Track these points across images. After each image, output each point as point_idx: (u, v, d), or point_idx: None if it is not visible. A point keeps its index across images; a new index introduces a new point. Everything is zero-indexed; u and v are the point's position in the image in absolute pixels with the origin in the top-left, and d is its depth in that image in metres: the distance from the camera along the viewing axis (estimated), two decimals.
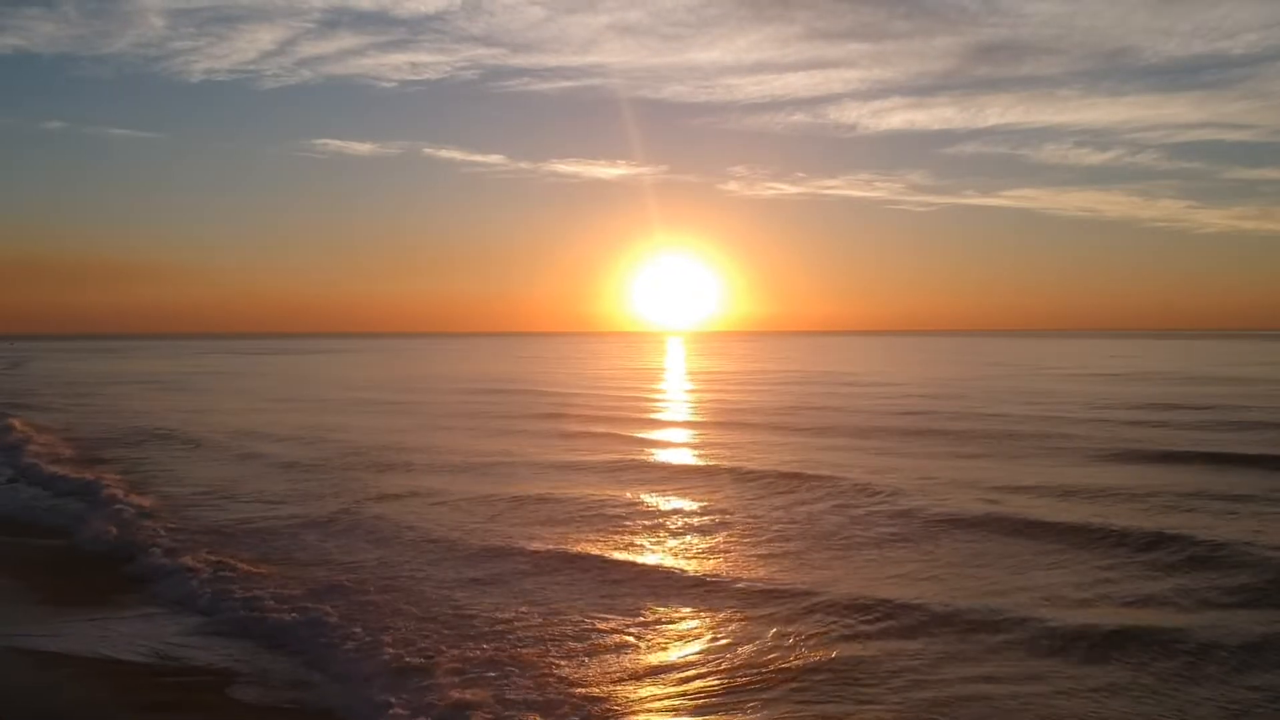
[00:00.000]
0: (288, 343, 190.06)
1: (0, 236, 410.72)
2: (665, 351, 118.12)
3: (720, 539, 12.63)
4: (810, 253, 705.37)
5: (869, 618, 9.08)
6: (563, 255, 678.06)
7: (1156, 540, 11.64)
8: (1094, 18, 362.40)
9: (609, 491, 16.18)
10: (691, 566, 11.19)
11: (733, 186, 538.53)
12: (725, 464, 18.99)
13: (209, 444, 23.25)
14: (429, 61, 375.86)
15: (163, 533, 13.21)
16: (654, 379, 54.82)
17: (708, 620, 9.26)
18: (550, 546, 12.14)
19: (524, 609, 9.59)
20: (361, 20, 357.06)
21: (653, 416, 30.56)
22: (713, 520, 13.80)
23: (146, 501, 15.47)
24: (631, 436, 24.39)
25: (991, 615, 9.04)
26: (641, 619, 9.30)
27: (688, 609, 9.63)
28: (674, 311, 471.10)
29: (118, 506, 14.88)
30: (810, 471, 17.30)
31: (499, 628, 9.04)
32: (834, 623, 9.01)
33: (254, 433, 25.40)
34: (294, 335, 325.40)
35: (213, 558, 11.67)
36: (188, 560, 11.61)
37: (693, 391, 44.63)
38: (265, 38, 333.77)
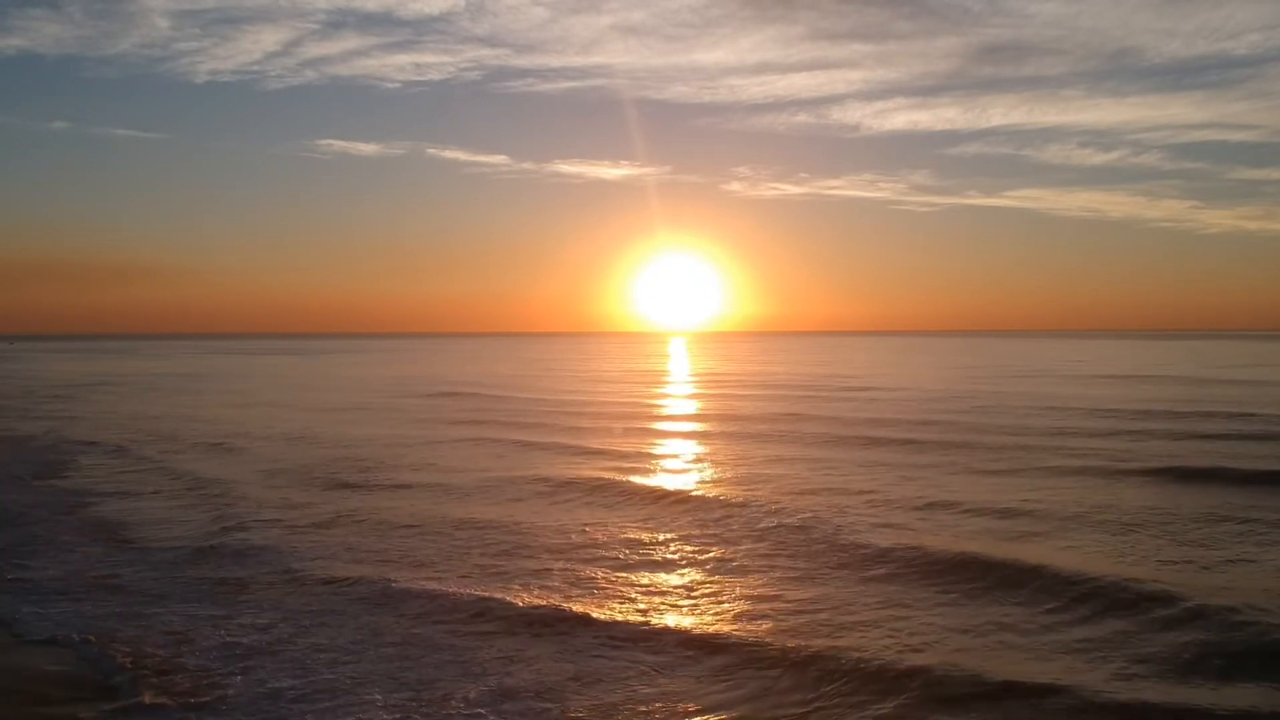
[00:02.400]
0: (289, 343, 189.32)
1: (4, 237, 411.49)
2: (666, 353, 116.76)
3: (692, 579, 11.21)
4: (813, 253, 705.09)
5: (872, 686, 7.74)
6: (566, 255, 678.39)
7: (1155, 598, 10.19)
8: (1097, 18, 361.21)
9: (581, 518, 14.79)
10: (662, 617, 9.79)
11: (736, 187, 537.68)
12: (708, 484, 17.61)
13: (156, 458, 21.85)
14: (433, 62, 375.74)
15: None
16: (652, 383, 53.39)
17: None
18: (476, 592, 10.65)
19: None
20: (366, 21, 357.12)
21: (643, 425, 29.13)
22: (684, 556, 12.36)
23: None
24: (617, 450, 22.95)
25: (1002, 684, 7.66)
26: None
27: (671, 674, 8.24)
28: (677, 312, 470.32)
29: None
30: (809, 498, 15.89)
31: None
32: (841, 698, 7.66)
33: (214, 442, 24.05)
34: (297, 335, 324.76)
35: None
36: None
37: (687, 397, 43.20)
38: (270, 39, 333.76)
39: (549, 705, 7.53)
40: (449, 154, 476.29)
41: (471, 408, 35.11)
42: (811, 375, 57.47)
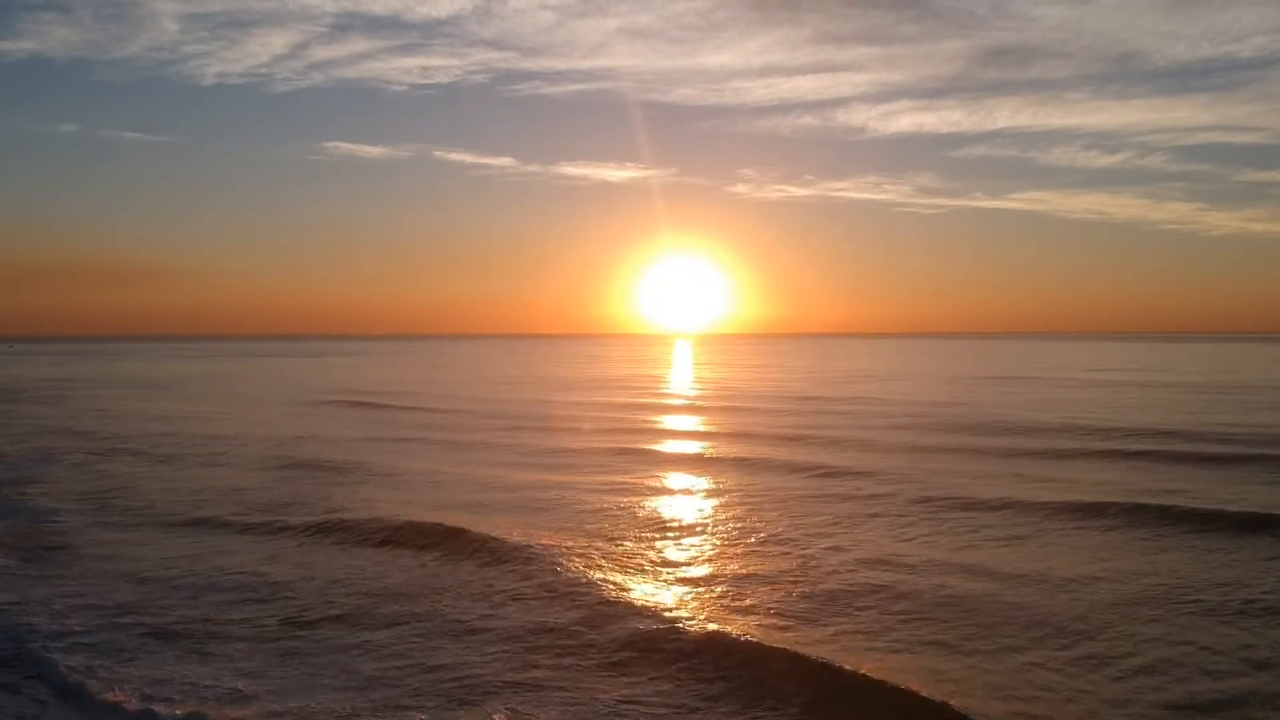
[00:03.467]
0: (293, 345, 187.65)
1: (13, 239, 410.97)
2: (667, 357, 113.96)
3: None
4: (819, 255, 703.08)
5: None
6: (571, 257, 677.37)
7: None
8: (1102, 21, 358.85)
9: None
10: None
11: (741, 189, 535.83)
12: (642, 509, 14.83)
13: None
14: (440, 65, 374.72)
15: None
16: (633, 388, 50.58)
17: None
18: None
19: None
20: (373, 24, 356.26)
21: (614, 445, 26.33)
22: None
23: None
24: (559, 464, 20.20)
25: None
26: None
27: None
28: (682, 314, 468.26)
29: None
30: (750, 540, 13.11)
31: None
32: None
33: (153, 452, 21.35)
34: (304, 338, 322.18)
35: None
36: None
37: (672, 410, 40.41)
38: (277, 41, 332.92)
39: None
40: (455, 156, 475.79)
41: (462, 420, 32.36)
42: (820, 382, 54.62)
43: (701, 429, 29.62)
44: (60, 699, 8.04)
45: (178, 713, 7.54)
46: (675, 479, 19.12)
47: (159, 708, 7.61)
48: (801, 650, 8.45)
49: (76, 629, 9.61)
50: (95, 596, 10.75)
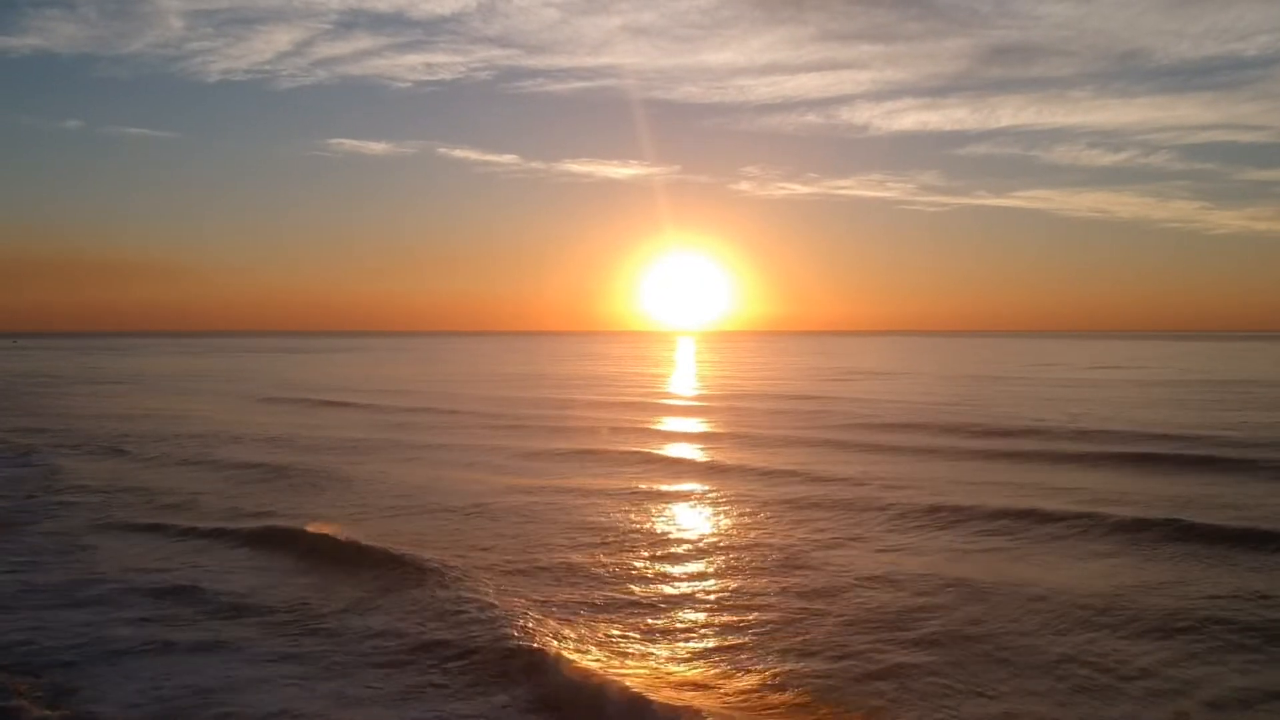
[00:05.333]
0: (295, 341, 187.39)
1: (18, 235, 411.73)
2: (662, 353, 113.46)
3: None
4: (822, 252, 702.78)
5: None
6: (574, 254, 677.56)
7: None
8: (1105, 19, 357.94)
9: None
10: None
11: (744, 186, 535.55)
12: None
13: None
14: (444, 62, 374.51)
15: None
16: (633, 386, 50.11)
17: None
18: None
19: None
20: (378, 21, 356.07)
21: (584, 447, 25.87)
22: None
23: None
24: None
25: None
26: None
27: None
28: (685, 311, 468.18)
29: None
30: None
31: None
32: None
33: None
34: (306, 334, 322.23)
35: None
36: None
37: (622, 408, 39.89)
38: (282, 38, 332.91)
39: None
40: (459, 153, 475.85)
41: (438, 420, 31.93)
42: (813, 378, 54.02)
43: (697, 429, 29.12)
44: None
45: None
46: (655, 484, 18.59)
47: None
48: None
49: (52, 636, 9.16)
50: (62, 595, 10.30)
